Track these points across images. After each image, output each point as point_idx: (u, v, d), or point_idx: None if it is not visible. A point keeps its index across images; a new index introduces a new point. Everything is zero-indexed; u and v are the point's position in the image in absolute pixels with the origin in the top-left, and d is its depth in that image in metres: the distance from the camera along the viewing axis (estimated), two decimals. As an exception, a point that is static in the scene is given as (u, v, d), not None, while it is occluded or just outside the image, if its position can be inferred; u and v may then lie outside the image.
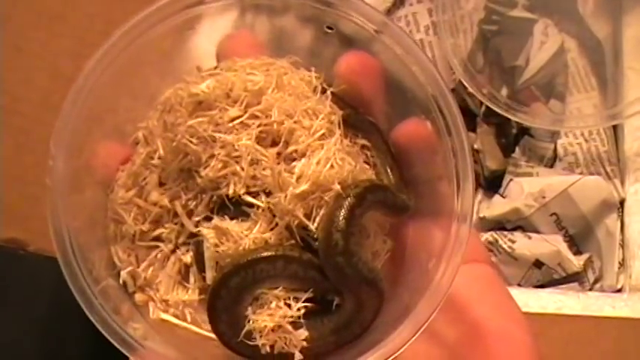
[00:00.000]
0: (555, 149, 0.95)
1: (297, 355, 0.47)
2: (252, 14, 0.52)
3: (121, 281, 0.51)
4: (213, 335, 0.49)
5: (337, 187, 0.47)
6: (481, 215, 0.92)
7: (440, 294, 0.46)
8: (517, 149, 0.96)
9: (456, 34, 0.96)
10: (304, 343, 0.47)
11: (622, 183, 0.93)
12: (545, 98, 0.95)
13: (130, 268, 0.50)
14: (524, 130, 0.96)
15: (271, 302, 0.47)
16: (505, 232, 0.91)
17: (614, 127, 0.96)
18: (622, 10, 0.97)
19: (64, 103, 0.48)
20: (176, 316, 0.50)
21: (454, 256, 0.47)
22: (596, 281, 0.91)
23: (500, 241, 0.89)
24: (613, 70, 0.97)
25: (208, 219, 0.49)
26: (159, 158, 0.50)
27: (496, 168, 0.96)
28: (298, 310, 0.47)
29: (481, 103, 0.97)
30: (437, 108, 0.49)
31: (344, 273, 0.47)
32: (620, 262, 0.90)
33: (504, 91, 0.96)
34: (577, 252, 0.92)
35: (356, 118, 0.51)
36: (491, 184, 0.96)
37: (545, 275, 0.89)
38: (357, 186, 0.47)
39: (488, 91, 0.97)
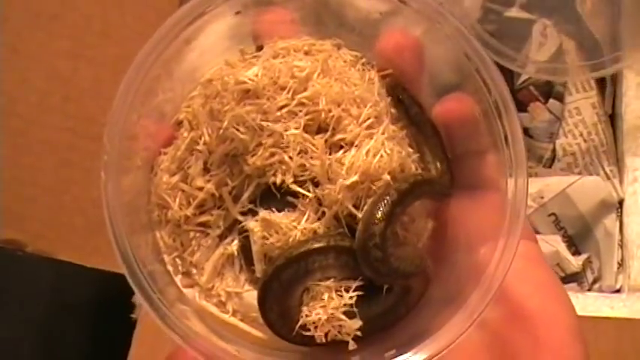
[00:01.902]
0: (554, 149, 0.95)
1: (352, 344, 0.47)
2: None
3: (168, 266, 0.51)
4: (252, 330, 0.49)
5: (387, 177, 0.47)
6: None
7: (493, 286, 0.45)
8: (516, 149, 0.96)
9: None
10: (358, 332, 0.47)
11: (621, 183, 0.93)
12: (544, 98, 0.95)
13: (175, 254, 0.51)
14: (523, 130, 0.95)
15: (323, 294, 0.47)
16: (504, 233, 0.91)
17: (614, 128, 0.96)
18: (620, 10, 0.97)
19: (115, 100, 0.47)
20: (218, 306, 0.50)
21: (509, 246, 0.46)
22: (594, 281, 0.91)
23: (499, 242, 0.89)
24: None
25: (253, 211, 0.49)
26: (204, 144, 0.50)
27: (495, 168, 0.96)
28: (350, 298, 0.47)
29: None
30: (482, 84, 0.48)
31: (380, 273, 0.47)
32: (618, 263, 0.90)
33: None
34: (576, 252, 0.92)
35: (408, 101, 0.51)
36: (490, 184, 0.96)
37: (544, 275, 0.89)
38: (400, 183, 0.47)
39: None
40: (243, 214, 0.49)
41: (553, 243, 0.89)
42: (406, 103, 0.50)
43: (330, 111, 0.48)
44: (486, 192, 0.49)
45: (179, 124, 0.51)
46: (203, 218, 0.50)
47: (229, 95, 0.48)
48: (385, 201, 0.46)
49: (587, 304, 0.82)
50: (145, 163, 0.51)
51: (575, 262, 0.89)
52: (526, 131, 0.96)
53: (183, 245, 0.51)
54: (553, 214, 0.91)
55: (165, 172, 0.51)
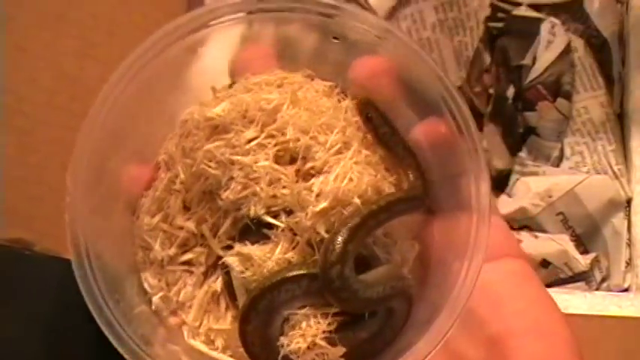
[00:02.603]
0: (562, 148, 0.95)
1: None
2: (259, 24, 0.52)
3: (153, 307, 0.51)
4: None
5: (357, 201, 0.47)
6: (487, 215, 0.92)
7: (459, 305, 0.46)
8: (524, 148, 0.96)
9: (462, 32, 0.96)
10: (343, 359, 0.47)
11: (629, 182, 0.93)
12: (552, 97, 0.95)
13: (161, 294, 0.51)
14: (530, 130, 0.96)
15: (301, 322, 0.47)
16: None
17: (622, 127, 0.96)
18: (629, 8, 0.97)
19: (78, 136, 0.48)
20: (206, 344, 0.50)
21: (474, 260, 0.46)
22: (602, 280, 0.91)
23: (507, 241, 0.89)
24: (620, 68, 0.97)
25: (230, 246, 0.49)
26: (181, 183, 0.50)
27: (503, 167, 0.96)
28: (329, 325, 0.47)
29: (488, 102, 0.97)
30: (447, 109, 0.48)
31: (355, 307, 0.47)
32: (626, 262, 0.90)
33: (511, 90, 0.96)
34: (584, 251, 0.92)
35: (377, 121, 0.51)
36: (498, 183, 0.96)
37: (551, 275, 0.89)
38: (351, 218, 0.47)
39: (494, 90, 0.97)
40: (225, 249, 0.50)
41: (561, 242, 0.89)
42: (375, 122, 0.50)
43: (298, 140, 0.48)
44: (464, 213, 0.49)
45: (159, 166, 0.52)
46: (186, 257, 0.51)
47: (200, 132, 0.49)
48: (337, 242, 0.46)
49: (595, 303, 0.82)
50: (127, 206, 0.52)
51: (583, 261, 0.89)
52: (534, 130, 0.96)
53: (169, 285, 0.51)
54: (561, 213, 0.91)
55: (145, 214, 0.51)
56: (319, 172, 0.48)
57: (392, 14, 0.94)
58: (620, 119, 0.97)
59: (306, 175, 0.49)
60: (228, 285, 0.50)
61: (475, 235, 0.47)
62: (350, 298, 0.46)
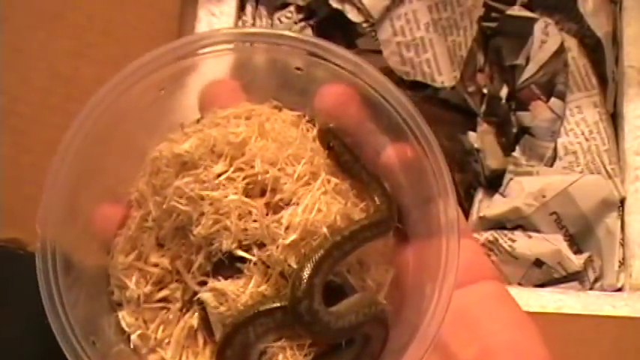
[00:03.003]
0: (555, 148, 0.95)
1: None
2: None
3: (132, 345, 0.51)
4: None
5: (325, 231, 0.47)
6: (481, 214, 0.92)
7: (432, 330, 0.46)
8: (517, 148, 0.96)
9: (456, 32, 0.95)
10: None
11: (622, 182, 0.93)
12: (546, 97, 0.95)
13: (139, 332, 0.51)
14: (524, 129, 0.96)
15: (278, 355, 0.47)
16: (505, 232, 0.91)
17: (615, 126, 0.96)
18: (622, 8, 0.97)
19: (46, 178, 0.48)
20: None
21: (446, 283, 0.47)
22: (596, 280, 0.91)
23: (501, 241, 0.89)
24: (613, 68, 0.97)
25: (206, 282, 0.49)
26: (153, 221, 0.50)
27: (496, 167, 0.96)
28: (305, 356, 0.47)
29: (481, 102, 0.97)
30: (411, 133, 0.49)
31: (328, 338, 0.47)
32: (620, 261, 0.90)
33: (504, 90, 0.96)
34: (577, 251, 0.92)
35: (339, 149, 0.51)
36: (492, 183, 0.96)
37: (545, 274, 0.89)
38: (314, 252, 0.47)
39: (488, 90, 0.97)
40: (201, 284, 0.50)
41: (554, 242, 0.89)
42: (336, 150, 0.51)
43: (266, 172, 0.49)
44: (435, 236, 0.50)
45: (132, 205, 0.52)
46: (162, 293, 0.51)
47: (169, 169, 0.49)
48: (303, 277, 0.46)
49: (589, 302, 0.82)
50: (102, 246, 0.52)
51: (576, 261, 0.89)
52: (527, 130, 0.96)
53: (146, 322, 0.51)
54: (554, 212, 0.91)
55: (120, 253, 0.51)
56: (288, 203, 0.49)
57: (386, 14, 0.94)
58: (614, 119, 0.97)
59: (276, 207, 0.49)
60: (205, 320, 0.50)
61: (445, 258, 0.47)
62: (322, 331, 0.46)
